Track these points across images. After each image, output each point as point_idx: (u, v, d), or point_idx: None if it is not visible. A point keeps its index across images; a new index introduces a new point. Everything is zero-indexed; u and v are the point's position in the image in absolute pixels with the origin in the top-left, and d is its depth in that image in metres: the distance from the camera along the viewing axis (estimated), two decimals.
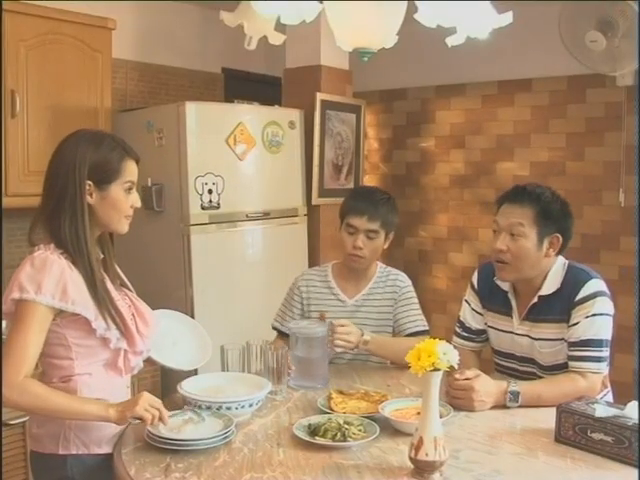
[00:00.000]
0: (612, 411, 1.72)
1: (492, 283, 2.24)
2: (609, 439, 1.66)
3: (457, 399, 1.96)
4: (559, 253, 2.15)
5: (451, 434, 1.74)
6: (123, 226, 1.85)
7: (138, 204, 1.86)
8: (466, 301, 2.35)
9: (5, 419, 2.56)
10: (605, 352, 2.04)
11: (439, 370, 1.55)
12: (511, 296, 2.20)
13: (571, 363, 2.05)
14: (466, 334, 2.33)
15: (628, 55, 3.35)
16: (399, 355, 1.97)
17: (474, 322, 2.31)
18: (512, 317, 2.20)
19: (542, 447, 1.73)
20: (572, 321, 2.06)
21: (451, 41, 2.02)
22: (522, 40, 3.89)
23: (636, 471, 1.58)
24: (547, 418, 1.84)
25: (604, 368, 2.05)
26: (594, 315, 2.04)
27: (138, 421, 1.70)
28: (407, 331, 2.48)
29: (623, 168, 3.83)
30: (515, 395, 1.96)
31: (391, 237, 2.51)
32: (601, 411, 1.71)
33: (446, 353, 1.56)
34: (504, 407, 1.97)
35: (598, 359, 2.02)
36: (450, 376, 1.95)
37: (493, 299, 2.25)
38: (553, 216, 2.10)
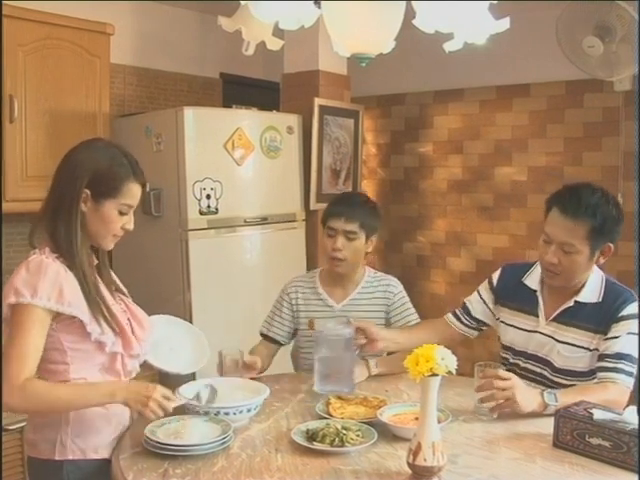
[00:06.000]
0: (610, 416, 1.72)
1: (518, 282, 2.24)
2: (607, 444, 1.65)
3: (501, 401, 1.89)
4: None
5: (449, 439, 1.74)
6: (108, 243, 1.83)
7: (130, 227, 1.82)
8: (478, 291, 2.37)
9: (3, 424, 2.55)
10: (635, 370, 2.02)
11: (437, 375, 1.55)
12: (539, 295, 2.19)
13: (603, 374, 2.01)
14: (460, 315, 2.37)
15: (626, 60, 3.36)
16: None
17: (475, 310, 2.34)
18: (538, 316, 2.18)
19: (540, 452, 1.72)
20: (611, 334, 2.03)
21: (449, 47, 2.03)
22: (520, 45, 3.90)
23: (636, 477, 1.58)
24: (545, 423, 1.84)
25: (631, 385, 2.02)
26: (633, 334, 2.03)
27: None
28: None
29: (621, 173, 3.84)
30: (553, 395, 1.91)
31: (374, 241, 2.50)
32: (599, 416, 1.71)
33: (444, 358, 1.56)
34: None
35: (630, 374, 2.00)
36: (487, 375, 1.92)
37: (517, 298, 2.24)
38: (607, 230, 2.04)
